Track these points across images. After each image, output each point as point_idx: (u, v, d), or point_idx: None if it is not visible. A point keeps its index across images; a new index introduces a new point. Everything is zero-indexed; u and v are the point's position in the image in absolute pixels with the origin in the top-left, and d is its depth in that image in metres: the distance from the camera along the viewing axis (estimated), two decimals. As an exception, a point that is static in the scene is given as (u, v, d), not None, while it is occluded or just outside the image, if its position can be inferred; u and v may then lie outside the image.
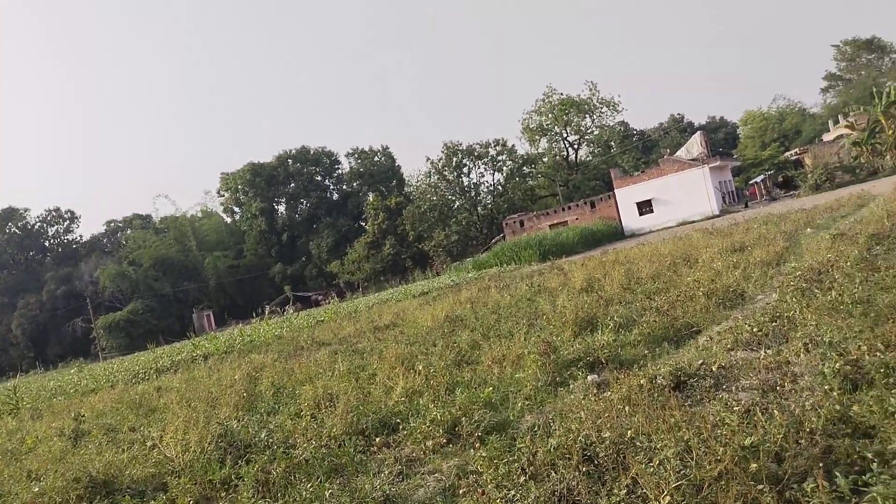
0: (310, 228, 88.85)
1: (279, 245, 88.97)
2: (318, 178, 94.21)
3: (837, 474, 3.75)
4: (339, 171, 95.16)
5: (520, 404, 7.34)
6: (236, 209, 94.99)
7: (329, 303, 42.23)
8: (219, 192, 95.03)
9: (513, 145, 70.46)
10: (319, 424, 7.93)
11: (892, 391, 4.73)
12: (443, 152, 68.89)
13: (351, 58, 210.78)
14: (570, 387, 7.57)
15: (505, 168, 69.57)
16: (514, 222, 58.47)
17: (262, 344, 22.12)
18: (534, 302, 15.46)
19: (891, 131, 43.78)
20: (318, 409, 8.82)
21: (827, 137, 56.51)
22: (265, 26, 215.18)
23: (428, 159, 70.33)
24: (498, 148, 69.19)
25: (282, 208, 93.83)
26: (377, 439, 7.17)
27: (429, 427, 6.89)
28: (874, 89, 48.76)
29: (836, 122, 60.19)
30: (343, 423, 7.63)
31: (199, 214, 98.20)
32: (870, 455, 3.97)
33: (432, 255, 66.93)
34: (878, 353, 5.62)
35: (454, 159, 68.46)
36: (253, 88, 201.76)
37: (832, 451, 4.21)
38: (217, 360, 19.31)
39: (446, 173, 69.04)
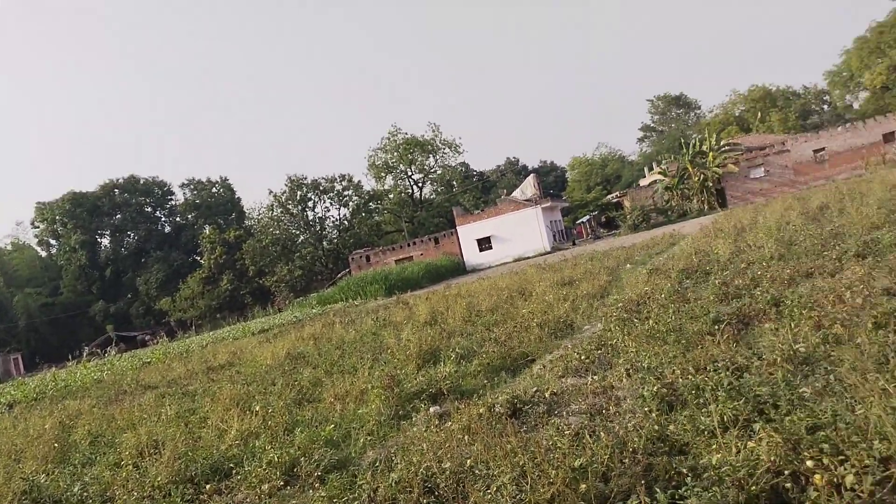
0: (137, 263, 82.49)
1: (102, 281, 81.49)
2: (149, 209, 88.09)
3: (657, 490, 4.01)
4: (173, 203, 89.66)
5: (362, 440, 7.18)
6: (53, 242, 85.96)
7: (158, 343, 39.16)
8: (33, 224, 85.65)
9: (359, 181, 70.70)
10: (142, 474, 7.21)
11: (702, 410, 5.19)
12: (287, 185, 67.40)
13: (187, 85, 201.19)
14: (413, 419, 7.55)
15: (351, 203, 69.44)
16: (361, 257, 58.30)
17: (80, 389, 19.93)
18: (379, 336, 15.37)
19: (696, 178, 49.41)
20: (142, 457, 8.05)
21: (643, 182, 62.55)
22: (81, 42, 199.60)
23: (271, 192, 68.33)
24: (344, 183, 68.97)
25: (106, 241, 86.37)
26: (208, 486, 6.65)
27: (265, 470, 6.51)
28: (682, 140, 55.02)
29: (651, 168, 66.87)
30: (169, 470, 6.99)
31: (9, 248, 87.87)
32: (684, 470, 4.31)
33: (274, 291, 64.65)
34: (690, 376, 6.16)
35: (299, 193, 67.18)
36: (79, 113, 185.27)
37: (652, 468, 4.51)
38: (24, 409, 17.08)
39: (290, 207, 67.50)
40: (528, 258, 46.98)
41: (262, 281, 65.69)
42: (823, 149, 48.96)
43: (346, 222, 69.02)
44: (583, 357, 8.45)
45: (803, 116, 79.16)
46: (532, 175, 61.46)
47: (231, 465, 7.13)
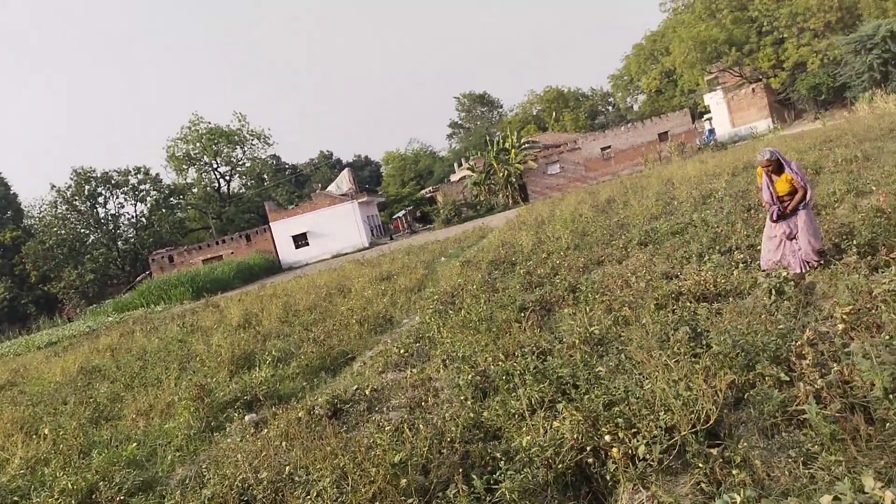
0: None
1: None
2: None
3: (474, 477, 4.17)
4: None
5: (170, 457, 6.67)
6: None
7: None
8: None
9: (157, 174, 65.27)
10: None
11: (512, 395, 5.49)
12: (72, 179, 60.29)
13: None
14: (227, 430, 7.16)
15: (149, 198, 63.91)
16: (163, 258, 54.09)
17: None
18: (186, 343, 14.38)
19: (501, 174, 52.32)
20: None
21: (454, 178, 65.01)
22: None
23: (53, 187, 60.74)
24: (140, 176, 63.25)
25: None
26: (-17, 530, 5.78)
27: (57, 500, 5.80)
28: (487, 137, 57.99)
29: (460, 164, 69.72)
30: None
31: None
32: (498, 454, 4.53)
33: (63, 299, 57.83)
34: (500, 363, 6.49)
35: (87, 187, 60.46)
36: None
37: (469, 455, 4.68)
38: None
39: (77, 203, 60.63)
40: (347, 254, 46.76)
41: (48, 288, 58.39)
42: (609, 146, 54.34)
43: (143, 220, 63.48)
44: (402, 351, 8.57)
45: (592, 116, 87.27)
46: (347, 169, 61.22)
47: (16, 497, 6.27)
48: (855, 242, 7.61)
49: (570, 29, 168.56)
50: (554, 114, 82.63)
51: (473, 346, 7.52)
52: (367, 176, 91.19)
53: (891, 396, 3.72)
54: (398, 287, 15.31)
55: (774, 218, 7.42)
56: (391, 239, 51.91)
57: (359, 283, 17.49)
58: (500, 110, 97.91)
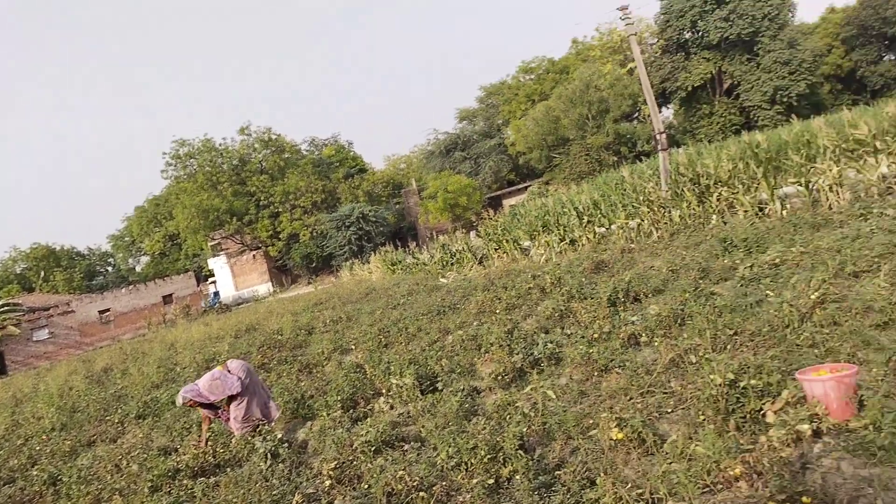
0: None
1: None
2: None
3: None
4: None
5: None
6: None
7: None
8: None
9: None
10: None
11: None
12: None
13: None
14: None
15: None
16: None
17: None
18: None
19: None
20: None
21: None
22: None
23: None
24: None
25: None
26: None
27: None
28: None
29: None
30: None
31: None
32: None
33: None
34: None
35: None
36: None
37: None
38: None
39: None
40: None
41: None
42: (109, 309, 50.32)
43: None
44: None
45: (89, 277, 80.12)
46: None
47: None
48: (339, 398, 8.53)
49: (60, 187, 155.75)
50: (43, 273, 73.03)
51: None
52: None
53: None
54: None
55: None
56: None
57: None
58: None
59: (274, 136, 56.02)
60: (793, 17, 47.83)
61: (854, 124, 13.75)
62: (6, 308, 47.43)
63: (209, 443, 7.66)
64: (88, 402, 13.69)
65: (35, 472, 8.76)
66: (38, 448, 10.38)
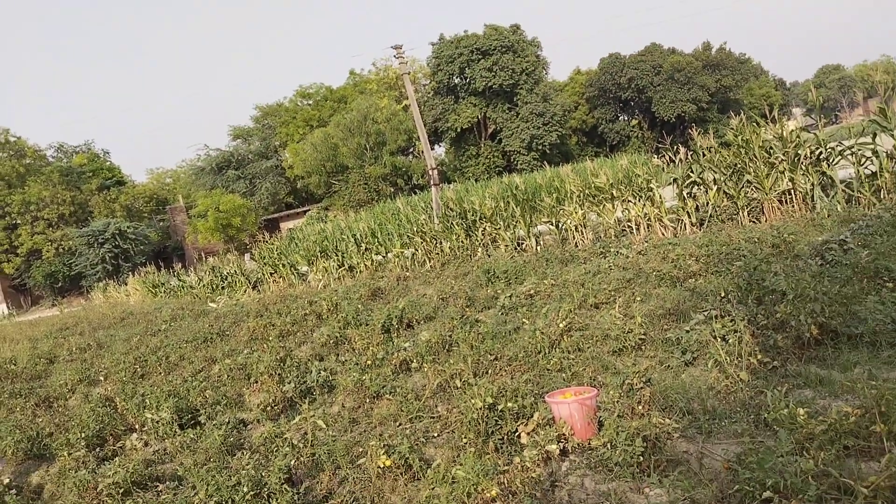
0: None
1: None
2: None
3: None
4: None
5: None
6: None
7: None
8: None
9: None
10: None
11: None
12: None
13: None
14: None
15: None
16: None
17: None
18: None
19: None
20: None
21: None
22: None
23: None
24: None
25: None
26: None
27: None
28: None
29: None
30: None
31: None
32: None
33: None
34: None
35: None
36: None
37: None
38: None
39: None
40: None
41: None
42: None
43: None
44: None
45: None
46: None
47: None
48: (84, 435, 7.59)
49: None
50: None
51: None
52: None
53: None
54: None
55: None
56: None
57: None
58: None
59: (13, 139, 48.85)
60: (547, 73, 53.78)
61: (595, 174, 15.76)
62: None
63: None
64: None
65: None
66: None
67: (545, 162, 30.66)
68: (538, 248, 15.48)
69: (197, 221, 46.50)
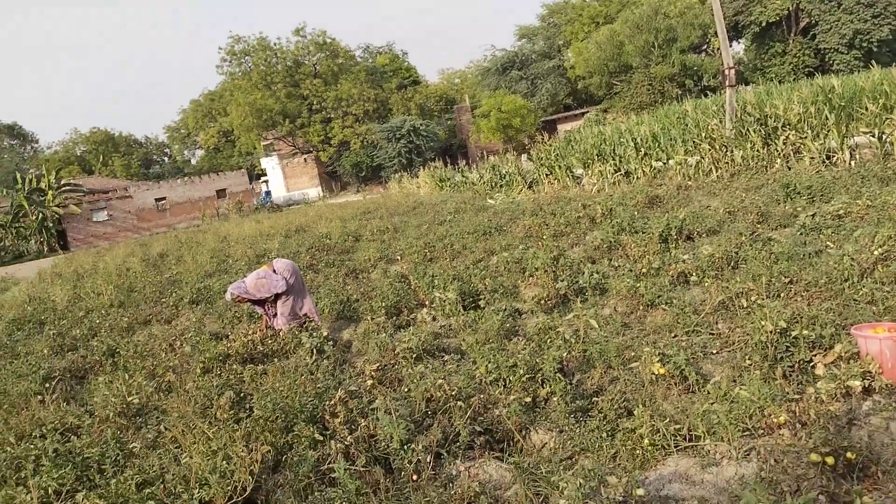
0: None
1: None
2: None
3: None
4: None
5: None
6: None
7: None
8: None
9: None
10: None
11: (19, 488, 4.52)
12: None
13: None
14: None
15: None
16: None
17: None
18: None
19: (34, 217, 44.75)
20: None
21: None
22: None
23: None
24: None
25: None
26: None
27: None
28: (17, 174, 49.10)
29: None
30: None
31: None
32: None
33: None
34: (10, 448, 5.34)
35: None
36: None
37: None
38: None
39: None
40: None
41: None
42: (165, 198, 51.84)
43: None
44: None
45: (146, 165, 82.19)
46: None
47: None
48: (384, 304, 8.75)
49: (122, 76, 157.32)
50: (102, 157, 75.13)
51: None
52: None
53: (405, 447, 4.28)
54: None
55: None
56: None
57: None
58: (36, 145, 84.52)
59: (329, 40, 55.03)
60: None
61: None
62: (68, 188, 49.30)
63: (261, 331, 8.01)
64: (145, 284, 14.35)
65: (95, 343, 9.34)
66: (97, 321, 11.00)
67: (870, 62, 25.64)
68: (852, 162, 13.33)
69: (480, 121, 48.60)
